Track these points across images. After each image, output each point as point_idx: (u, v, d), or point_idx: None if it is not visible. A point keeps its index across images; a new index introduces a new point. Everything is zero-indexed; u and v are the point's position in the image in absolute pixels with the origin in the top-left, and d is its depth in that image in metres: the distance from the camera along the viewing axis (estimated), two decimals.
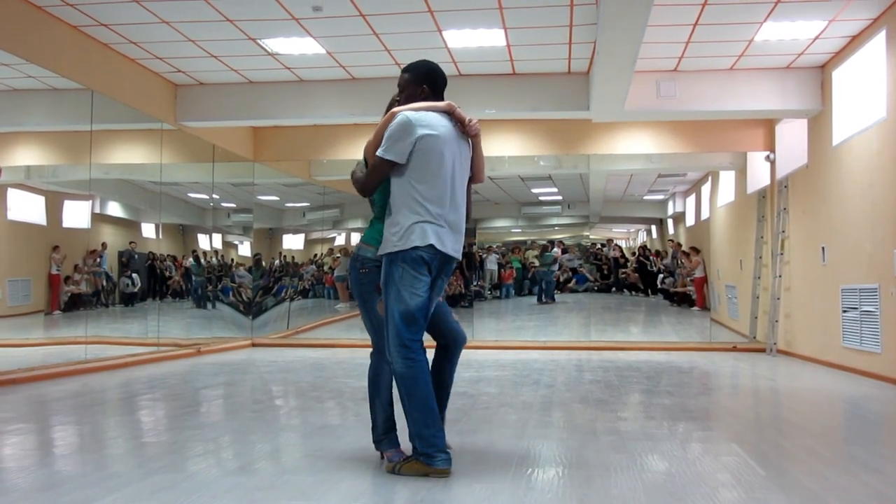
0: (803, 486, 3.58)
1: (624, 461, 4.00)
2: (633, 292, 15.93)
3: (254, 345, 11.71)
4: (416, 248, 3.60)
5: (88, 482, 3.53)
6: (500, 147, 11.60)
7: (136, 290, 10.79)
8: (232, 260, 13.16)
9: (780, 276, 10.45)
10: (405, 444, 3.82)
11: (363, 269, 3.83)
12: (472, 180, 3.98)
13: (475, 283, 15.07)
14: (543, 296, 14.93)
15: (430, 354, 3.93)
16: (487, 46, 8.74)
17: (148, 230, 11.44)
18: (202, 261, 12.07)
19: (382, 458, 3.88)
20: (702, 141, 11.30)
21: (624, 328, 13.70)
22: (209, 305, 12.27)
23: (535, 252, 14.98)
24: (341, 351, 10.84)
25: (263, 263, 13.48)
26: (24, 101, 8.94)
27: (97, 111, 8.52)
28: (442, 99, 4.01)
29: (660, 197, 16.18)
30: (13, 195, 9.07)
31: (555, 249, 15.35)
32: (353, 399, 6.25)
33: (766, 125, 10.95)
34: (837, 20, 7.79)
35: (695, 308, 13.90)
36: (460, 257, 3.83)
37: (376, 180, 3.75)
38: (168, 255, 11.49)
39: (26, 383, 7.06)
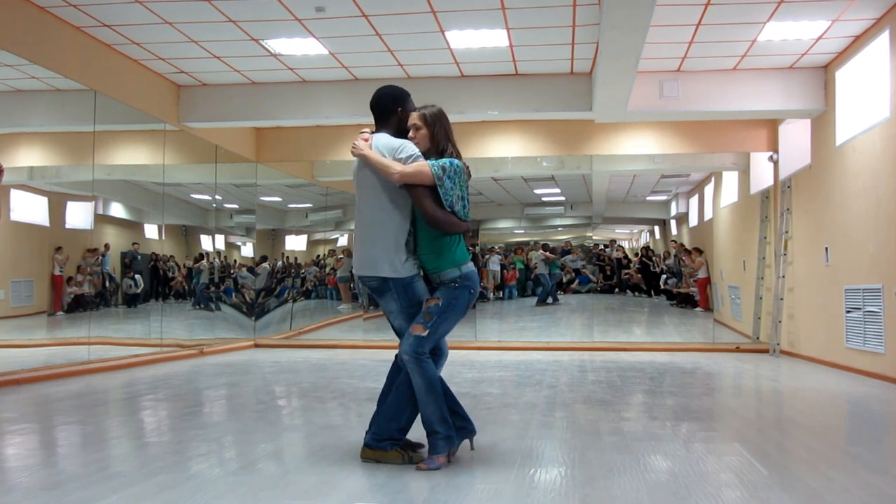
0: (806, 485, 3.57)
1: (627, 461, 3.99)
2: (636, 293, 15.93)
3: (256, 346, 11.72)
4: None
5: (91, 482, 3.53)
6: (502, 148, 11.61)
7: (138, 290, 10.80)
8: (235, 261, 13.17)
9: (783, 277, 10.43)
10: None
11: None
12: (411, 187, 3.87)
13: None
14: (548, 298, 14.94)
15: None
16: (490, 47, 8.74)
17: (151, 231, 11.45)
18: (212, 264, 12.08)
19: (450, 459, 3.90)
20: (705, 141, 11.29)
21: (627, 329, 13.69)
22: (213, 306, 12.28)
23: (541, 256, 14.95)
24: (344, 352, 10.85)
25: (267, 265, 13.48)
26: (27, 102, 8.94)
27: (100, 112, 8.54)
28: (385, 125, 4.07)
29: (663, 198, 16.17)
30: (16, 196, 9.08)
31: (567, 257, 15.36)
32: (355, 399, 6.25)
33: (770, 125, 10.94)
34: (841, 20, 7.78)
35: (698, 309, 13.89)
36: (359, 272, 3.97)
37: None
38: (171, 256, 11.51)
39: (29, 384, 7.07)
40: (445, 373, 4.18)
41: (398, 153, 3.86)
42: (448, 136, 4.01)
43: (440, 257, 3.91)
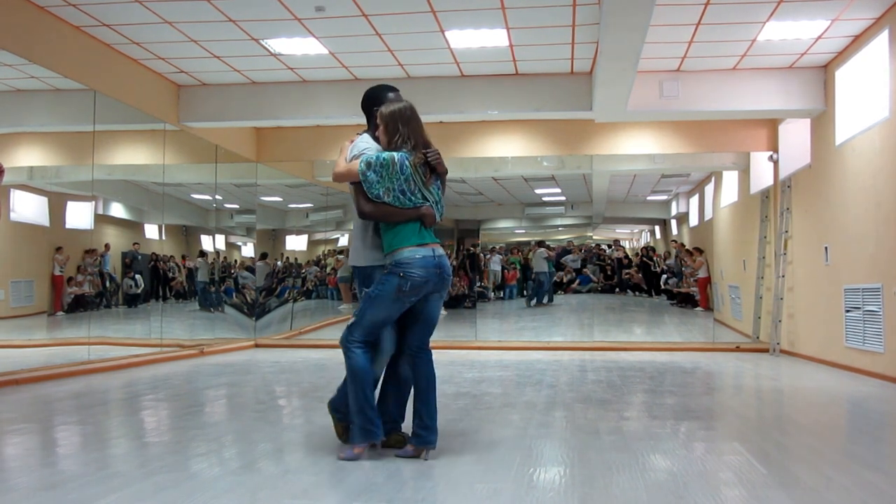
0: (805, 484, 3.57)
1: (626, 460, 3.99)
2: (637, 293, 15.93)
3: (257, 345, 11.72)
4: None
5: (91, 481, 3.53)
6: (502, 147, 11.60)
7: (139, 291, 10.80)
8: (235, 261, 13.17)
9: (783, 277, 10.43)
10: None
11: None
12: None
13: (478, 284, 15.09)
14: (545, 298, 14.94)
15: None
16: (490, 46, 8.74)
17: (151, 231, 11.45)
18: (213, 263, 12.09)
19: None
20: (705, 141, 11.29)
21: (627, 328, 13.69)
22: (213, 307, 12.27)
23: (545, 254, 14.96)
24: None
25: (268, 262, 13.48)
26: (27, 102, 8.94)
27: (100, 112, 8.54)
28: (370, 126, 4.26)
29: (663, 197, 16.17)
30: (16, 196, 9.08)
31: (568, 257, 15.37)
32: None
33: (770, 125, 10.94)
34: (840, 20, 7.78)
35: (698, 308, 13.89)
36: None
37: None
38: (171, 256, 11.51)
39: (29, 384, 7.07)
40: (445, 373, 4.18)
41: (350, 153, 4.08)
42: (398, 129, 3.97)
43: (383, 244, 4.02)
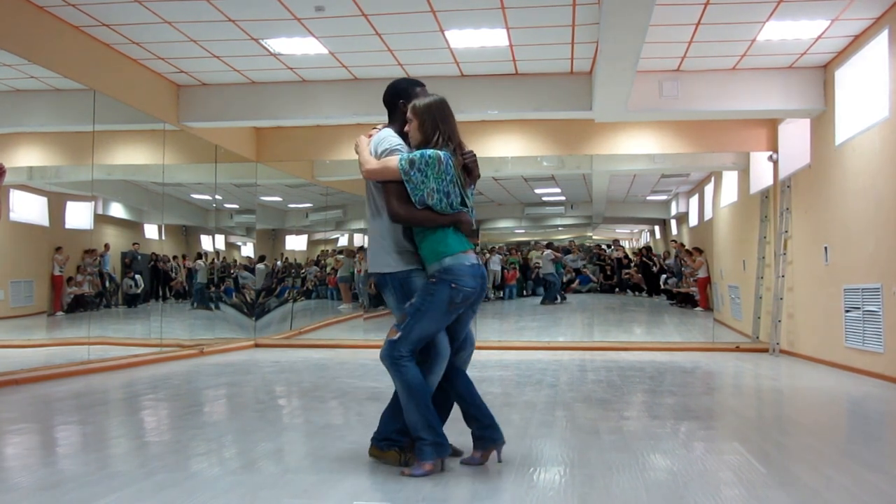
0: (805, 484, 3.57)
1: (626, 460, 3.99)
2: (637, 293, 15.94)
3: (257, 345, 11.72)
4: None
5: (91, 481, 3.53)
6: (502, 147, 11.60)
7: (139, 291, 10.80)
8: (235, 261, 13.17)
9: (782, 277, 10.43)
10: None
11: None
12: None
13: None
14: (558, 298, 15.03)
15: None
16: (490, 46, 8.74)
17: (151, 231, 11.45)
18: (213, 263, 12.10)
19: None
20: (705, 141, 11.29)
21: (627, 328, 13.70)
22: (212, 306, 12.28)
23: (551, 255, 15.02)
24: (344, 351, 10.84)
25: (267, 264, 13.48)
26: (27, 102, 8.95)
27: (99, 112, 8.53)
28: (392, 121, 4.02)
29: (663, 197, 16.18)
30: (16, 196, 9.08)
31: (568, 256, 15.43)
32: (355, 399, 6.24)
33: (769, 125, 10.94)
34: (840, 19, 7.78)
35: (698, 308, 13.89)
36: (369, 269, 3.99)
37: None
38: (173, 257, 11.52)
39: (29, 384, 7.06)
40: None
41: (378, 147, 3.80)
42: (437, 126, 3.74)
43: (423, 250, 3.73)
